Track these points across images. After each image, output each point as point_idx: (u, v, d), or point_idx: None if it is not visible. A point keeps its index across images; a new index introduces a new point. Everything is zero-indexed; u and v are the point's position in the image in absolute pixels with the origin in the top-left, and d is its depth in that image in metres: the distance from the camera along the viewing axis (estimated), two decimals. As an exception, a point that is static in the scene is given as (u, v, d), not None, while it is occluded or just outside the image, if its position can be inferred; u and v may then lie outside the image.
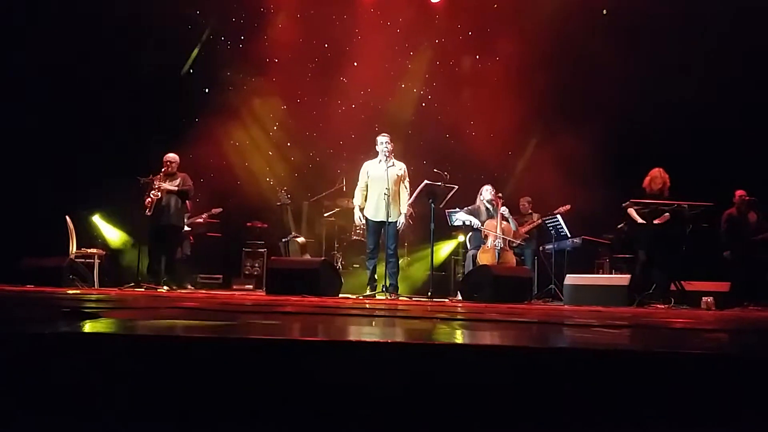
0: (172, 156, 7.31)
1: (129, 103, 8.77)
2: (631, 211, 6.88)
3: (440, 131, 10.19)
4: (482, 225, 7.44)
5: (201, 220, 8.74)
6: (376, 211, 6.63)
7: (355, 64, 10.26)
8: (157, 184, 7.03)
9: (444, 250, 9.32)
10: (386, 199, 6.45)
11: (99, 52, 8.51)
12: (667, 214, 6.74)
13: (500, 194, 7.64)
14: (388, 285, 6.48)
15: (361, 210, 6.73)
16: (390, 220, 6.49)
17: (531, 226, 8.48)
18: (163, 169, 7.16)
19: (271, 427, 1.24)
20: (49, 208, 7.97)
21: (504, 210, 7.51)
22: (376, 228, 6.67)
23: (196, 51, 9.81)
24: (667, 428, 1.27)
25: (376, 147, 6.72)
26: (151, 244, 7.20)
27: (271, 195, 9.33)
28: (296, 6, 10.08)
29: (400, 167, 6.71)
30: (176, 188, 7.13)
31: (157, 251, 7.21)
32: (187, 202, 7.73)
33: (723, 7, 8.33)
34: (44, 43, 8.26)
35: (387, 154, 6.62)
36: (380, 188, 6.56)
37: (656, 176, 6.86)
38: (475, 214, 7.56)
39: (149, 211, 7.01)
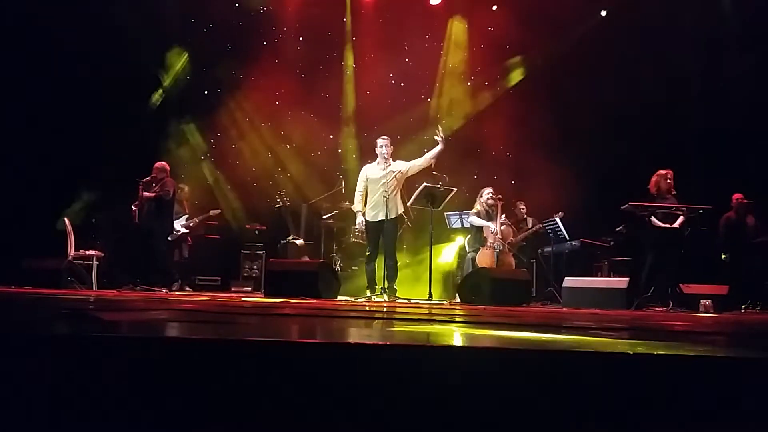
0: (158, 164, 7.50)
1: (128, 104, 8.77)
2: (653, 219, 6.81)
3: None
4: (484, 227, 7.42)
5: (196, 223, 8.70)
6: (374, 212, 6.63)
7: (354, 66, 10.28)
8: (141, 191, 7.22)
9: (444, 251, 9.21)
10: (385, 200, 6.46)
11: (99, 53, 8.52)
12: (682, 217, 6.74)
13: (500, 196, 7.63)
14: (386, 287, 6.48)
15: (363, 215, 6.76)
16: (389, 217, 6.49)
17: (527, 233, 8.50)
18: (151, 177, 7.33)
19: (267, 428, 1.24)
20: (47, 209, 7.96)
21: (502, 217, 7.50)
22: (375, 229, 6.66)
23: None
24: (665, 430, 1.28)
25: (376, 150, 6.74)
26: (138, 247, 7.38)
27: (269, 197, 9.33)
28: (295, 6, 10.09)
29: (398, 166, 6.69)
30: (153, 194, 7.27)
31: (142, 254, 7.36)
32: (184, 203, 7.92)
33: (723, 7, 8.35)
34: (45, 44, 8.27)
35: (386, 156, 6.63)
36: (379, 190, 6.57)
37: (668, 178, 6.85)
38: (477, 217, 7.53)
39: (136, 217, 7.20)
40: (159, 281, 7.20)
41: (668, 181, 6.81)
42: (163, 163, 7.49)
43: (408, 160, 6.81)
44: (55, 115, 8.32)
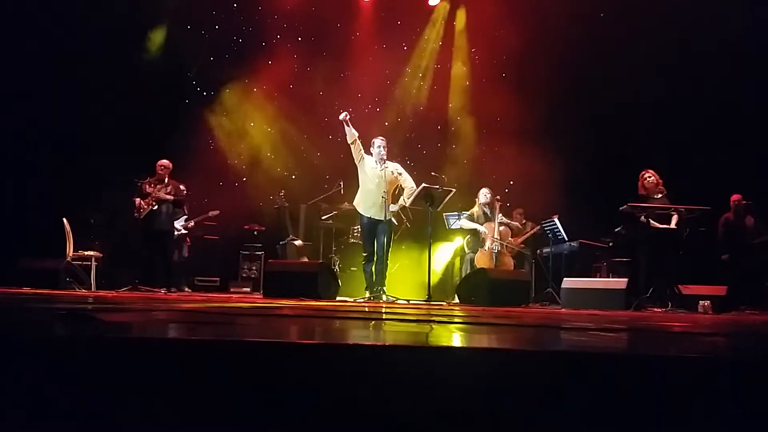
0: (165, 162, 7.51)
1: (127, 104, 8.77)
2: (651, 220, 6.81)
3: (438, 134, 10.20)
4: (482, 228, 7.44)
5: (194, 224, 8.69)
6: (372, 210, 6.61)
7: (352, 66, 10.28)
8: (152, 191, 7.22)
9: (443, 252, 9.22)
10: (383, 201, 6.45)
11: (98, 52, 8.51)
12: (676, 215, 6.74)
13: (498, 197, 7.64)
14: (380, 286, 6.47)
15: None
16: (386, 218, 6.49)
17: (527, 235, 8.51)
18: (157, 175, 7.31)
19: (265, 429, 1.24)
20: (46, 210, 7.95)
21: (501, 217, 7.52)
22: (371, 227, 6.65)
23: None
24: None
25: (371, 149, 6.73)
26: (145, 248, 7.39)
27: (268, 198, 9.33)
28: (294, 6, 10.09)
29: (393, 168, 6.68)
30: (172, 197, 7.28)
31: (151, 255, 7.36)
32: (184, 206, 7.97)
33: (722, 9, 8.35)
34: (43, 42, 8.26)
35: (383, 157, 6.62)
36: (376, 188, 6.55)
37: (647, 178, 6.88)
38: (473, 219, 7.56)
39: (139, 215, 7.18)
40: (173, 283, 7.27)
41: (650, 180, 6.85)
42: (167, 161, 7.52)
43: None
44: (55, 114, 8.31)
